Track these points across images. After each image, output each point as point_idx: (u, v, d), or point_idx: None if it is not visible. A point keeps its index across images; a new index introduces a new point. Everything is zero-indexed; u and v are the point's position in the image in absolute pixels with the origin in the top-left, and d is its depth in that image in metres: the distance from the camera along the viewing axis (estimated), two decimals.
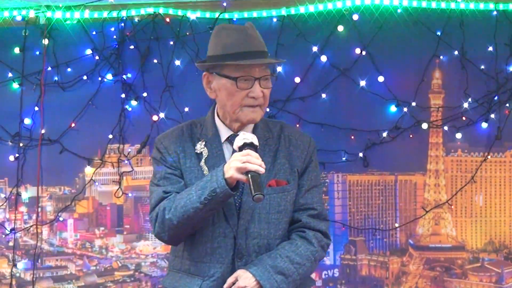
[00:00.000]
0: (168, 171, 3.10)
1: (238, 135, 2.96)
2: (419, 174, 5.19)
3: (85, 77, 5.06)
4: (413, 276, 5.25)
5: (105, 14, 5.07)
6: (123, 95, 5.10)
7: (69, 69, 5.09)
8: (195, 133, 3.10)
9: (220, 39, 3.01)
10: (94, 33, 5.09)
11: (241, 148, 2.87)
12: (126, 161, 5.15)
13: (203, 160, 3.04)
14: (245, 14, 5.02)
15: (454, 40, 4.84)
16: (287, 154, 3.11)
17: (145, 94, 5.10)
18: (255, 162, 2.79)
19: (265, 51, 2.94)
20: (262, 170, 2.80)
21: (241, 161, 2.80)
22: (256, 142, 2.89)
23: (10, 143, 5.11)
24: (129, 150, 5.15)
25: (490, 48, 4.72)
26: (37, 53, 5.11)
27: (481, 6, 4.86)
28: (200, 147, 3.06)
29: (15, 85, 5.09)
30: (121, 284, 5.36)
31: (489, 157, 4.91)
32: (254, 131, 3.06)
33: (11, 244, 5.20)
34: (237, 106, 2.95)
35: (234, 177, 2.80)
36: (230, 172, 2.80)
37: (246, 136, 2.93)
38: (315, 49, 4.65)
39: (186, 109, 5.02)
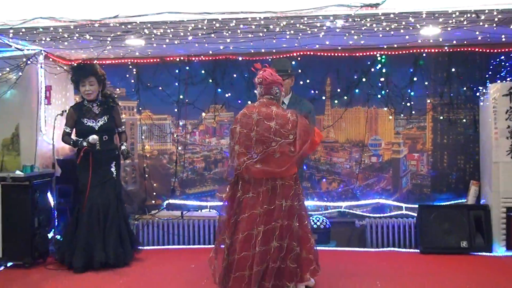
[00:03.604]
0: None
1: None
2: (321, 115, 6.27)
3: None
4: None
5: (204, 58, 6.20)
6: (214, 85, 6.32)
7: (202, 81, 6.34)
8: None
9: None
10: (207, 65, 6.30)
11: None
12: (217, 109, 6.35)
13: None
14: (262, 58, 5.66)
15: (333, 68, 6.16)
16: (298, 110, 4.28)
17: (222, 89, 6.32)
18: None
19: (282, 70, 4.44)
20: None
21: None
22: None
23: (175, 104, 6.40)
24: (218, 107, 6.35)
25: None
26: (187, 80, 6.37)
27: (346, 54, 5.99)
28: None
29: (175, 84, 6.37)
30: (216, 155, 6.46)
31: (345, 110, 6.27)
32: (291, 97, 4.67)
33: (175, 141, 6.43)
34: None
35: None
36: None
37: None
38: None
39: (236, 92, 6.24)
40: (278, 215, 3.89)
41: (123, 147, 5.29)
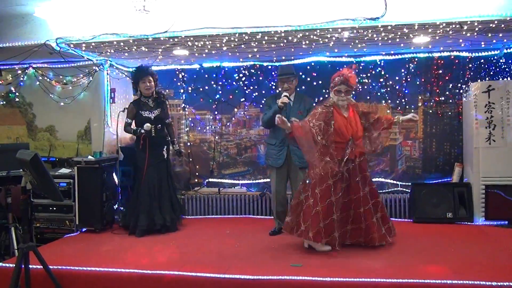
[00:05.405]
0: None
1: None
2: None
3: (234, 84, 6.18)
4: None
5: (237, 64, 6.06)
6: (243, 86, 6.17)
7: (234, 83, 6.19)
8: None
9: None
10: (238, 70, 6.16)
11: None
12: (246, 106, 6.21)
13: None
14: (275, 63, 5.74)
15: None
16: (303, 105, 4.46)
17: (250, 89, 6.17)
18: (283, 100, 4.27)
19: (288, 73, 4.49)
20: (286, 101, 4.27)
21: (281, 101, 4.31)
22: (288, 96, 4.32)
23: (213, 102, 6.24)
24: (247, 104, 6.22)
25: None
26: (222, 82, 6.21)
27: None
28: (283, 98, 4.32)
29: (213, 86, 6.20)
30: (245, 143, 6.23)
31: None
32: (295, 95, 4.59)
33: (213, 131, 6.26)
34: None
35: (279, 105, 4.29)
36: (278, 103, 4.31)
37: (286, 93, 4.37)
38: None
39: (261, 92, 6.07)
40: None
41: (176, 147, 5.31)
